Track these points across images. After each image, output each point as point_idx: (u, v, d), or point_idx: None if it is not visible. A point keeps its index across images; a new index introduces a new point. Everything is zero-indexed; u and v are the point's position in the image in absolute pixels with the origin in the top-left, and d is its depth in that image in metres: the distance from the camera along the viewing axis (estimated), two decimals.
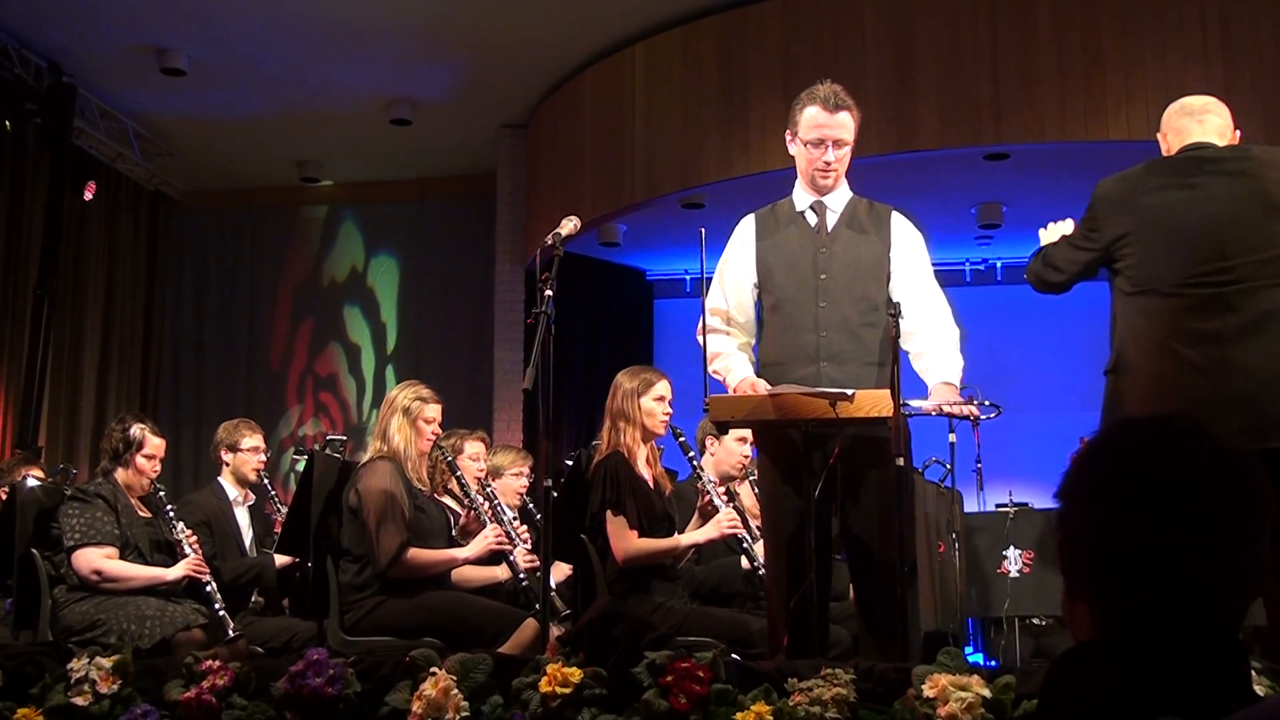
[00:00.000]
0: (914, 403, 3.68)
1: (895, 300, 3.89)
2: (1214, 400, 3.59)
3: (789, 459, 3.87)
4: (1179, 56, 7.75)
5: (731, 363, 4.06)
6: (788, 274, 4.02)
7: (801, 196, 4.10)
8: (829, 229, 4.03)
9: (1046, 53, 7.94)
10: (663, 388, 4.80)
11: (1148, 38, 7.82)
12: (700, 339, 4.07)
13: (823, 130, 3.98)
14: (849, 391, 3.64)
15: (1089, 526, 1.36)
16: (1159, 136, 4.06)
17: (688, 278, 11.34)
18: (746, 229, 4.17)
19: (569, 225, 4.30)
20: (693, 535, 4.79)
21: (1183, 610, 1.31)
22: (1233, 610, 1.33)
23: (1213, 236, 3.73)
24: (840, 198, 4.08)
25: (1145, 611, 1.32)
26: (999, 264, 10.54)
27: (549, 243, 4.21)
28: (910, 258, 4.02)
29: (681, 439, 5.03)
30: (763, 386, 3.88)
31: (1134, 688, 1.29)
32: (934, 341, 3.95)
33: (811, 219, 4.06)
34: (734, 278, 4.14)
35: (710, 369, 4.05)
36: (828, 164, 3.99)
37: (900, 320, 3.78)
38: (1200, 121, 3.93)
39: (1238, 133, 3.99)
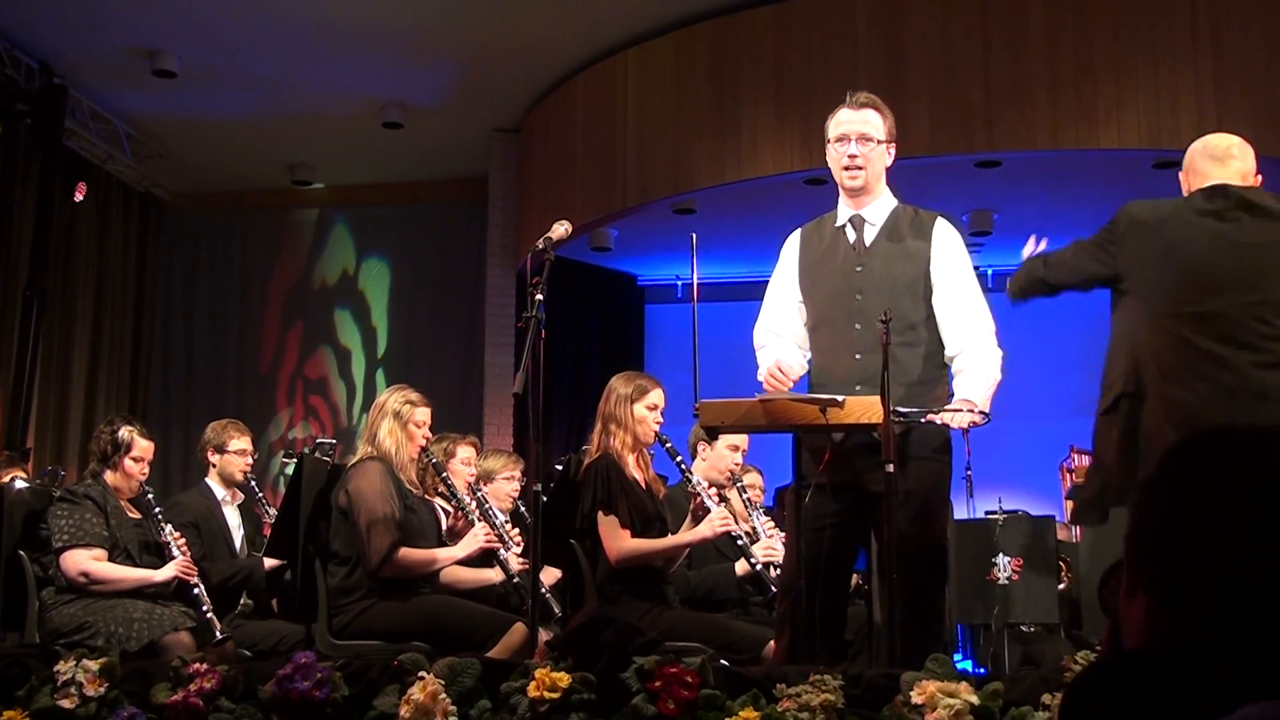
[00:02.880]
0: (902, 409, 3.67)
1: (930, 315, 3.89)
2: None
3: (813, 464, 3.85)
4: (1170, 66, 7.78)
5: (765, 353, 4.01)
6: (825, 294, 3.98)
7: (842, 210, 4.04)
8: (867, 245, 3.96)
9: (1038, 61, 7.96)
10: (656, 396, 4.78)
11: (1139, 47, 7.85)
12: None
13: (844, 126, 3.94)
14: (839, 398, 3.64)
15: (1171, 522, 1.37)
16: (1180, 175, 4.03)
17: (679, 283, 11.35)
18: (791, 246, 4.13)
19: (560, 229, 4.30)
20: (685, 535, 4.78)
21: (1252, 613, 1.33)
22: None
23: (1245, 269, 3.74)
24: (880, 209, 4.01)
25: (1214, 609, 1.33)
26: (989, 271, 10.53)
27: (540, 247, 4.20)
28: (952, 271, 3.93)
29: (668, 445, 5.01)
30: (789, 368, 3.84)
31: (1189, 690, 1.30)
32: (968, 361, 3.87)
33: (850, 234, 3.99)
34: (780, 297, 4.10)
35: (757, 376, 4.01)
36: (852, 158, 3.92)
37: (926, 331, 3.79)
38: (1223, 164, 3.90)
39: (1259, 177, 3.97)
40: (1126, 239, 3.87)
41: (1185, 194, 3.99)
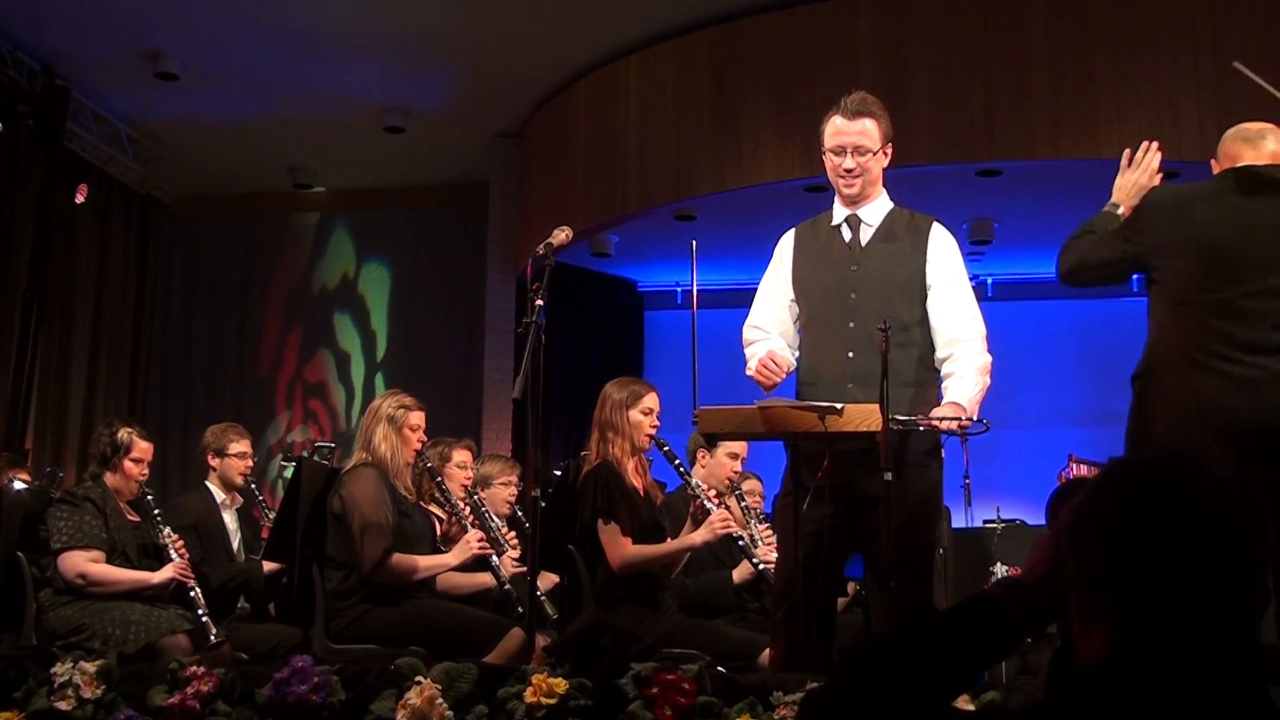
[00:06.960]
0: (901, 417, 3.67)
1: (924, 317, 3.88)
2: (1250, 419, 3.43)
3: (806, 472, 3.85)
4: (1171, 77, 7.79)
5: (755, 348, 3.99)
6: (819, 292, 3.98)
7: (838, 210, 4.04)
8: (862, 244, 3.97)
9: (1039, 70, 7.98)
10: (650, 400, 4.77)
11: (1140, 58, 7.86)
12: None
13: (840, 137, 3.94)
14: (838, 405, 3.63)
15: (1101, 563, 1.41)
16: (1211, 164, 3.92)
17: (679, 290, 11.37)
18: (786, 244, 4.13)
19: (561, 235, 4.30)
20: (687, 539, 4.75)
21: (1194, 634, 1.36)
22: (1240, 631, 1.38)
23: (1267, 252, 3.59)
24: (877, 211, 4.01)
25: (1158, 635, 1.37)
26: (989, 280, 10.56)
27: (540, 252, 4.20)
28: (946, 275, 3.94)
29: (666, 449, 4.99)
30: (782, 360, 3.84)
31: (1154, 705, 1.33)
32: (957, 365, 3.87)
33: (846, 234, 4.00)
34: (772, 293, 4.10)
35: (746, 371, 4.00)
36: (848, 171, 3.93)
37: (916, 337, 3.80)
38: (1255, 146, 3.79)
39: None
40: (1148, 224, 3.76)
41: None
